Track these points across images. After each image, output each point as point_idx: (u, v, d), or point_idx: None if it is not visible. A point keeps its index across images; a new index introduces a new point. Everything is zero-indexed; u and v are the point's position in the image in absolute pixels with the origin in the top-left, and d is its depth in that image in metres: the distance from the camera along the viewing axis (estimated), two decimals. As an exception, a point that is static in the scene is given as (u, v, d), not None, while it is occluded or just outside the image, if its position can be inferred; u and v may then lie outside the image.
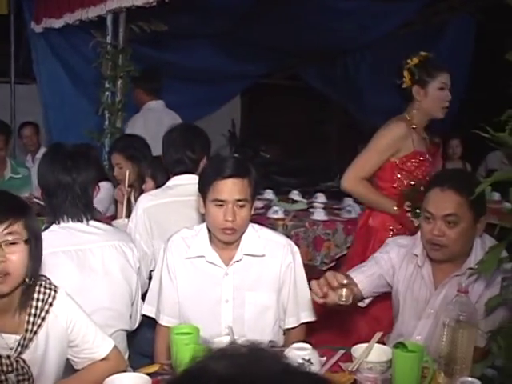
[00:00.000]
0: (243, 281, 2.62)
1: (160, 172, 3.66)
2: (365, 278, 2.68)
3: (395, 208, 3.40)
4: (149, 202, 3.37)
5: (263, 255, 2.63)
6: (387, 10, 6.38)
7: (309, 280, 4.32)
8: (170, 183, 3.42)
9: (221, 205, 2.51)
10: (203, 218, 2.70)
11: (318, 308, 2.66)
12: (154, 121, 5.22)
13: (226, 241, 2.58)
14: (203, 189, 2.57)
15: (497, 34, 2.60)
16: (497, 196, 5.18)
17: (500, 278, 2.25)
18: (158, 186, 3.58)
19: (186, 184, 3.31)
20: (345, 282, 2.35)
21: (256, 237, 2.65)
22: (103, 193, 4.13)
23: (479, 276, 2.41)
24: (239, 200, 2.52)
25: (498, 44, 2.61)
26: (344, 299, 2.34)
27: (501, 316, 2.28)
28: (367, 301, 2.77)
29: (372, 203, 3.51)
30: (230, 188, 2.50)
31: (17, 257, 1.99)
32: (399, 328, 2.68)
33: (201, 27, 6.11)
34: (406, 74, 3.40)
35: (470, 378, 2.05)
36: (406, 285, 2.65)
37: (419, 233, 2.63)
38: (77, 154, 2.72)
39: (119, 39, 5.13)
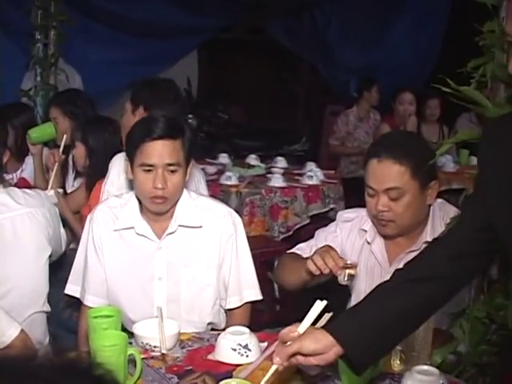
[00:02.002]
0: (178, 256, 2.41)
1: (93, 135, 3.30)
2: None
3: None
4: None
5: (200, 226, 2.41)
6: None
7: (265, 253, 3.95)
8: None
9: (149, 170, 2.29)
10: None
11: None
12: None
13: (156, 211, 2.37)
14: (130, 152, 2.35)
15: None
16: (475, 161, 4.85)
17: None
18: (90, 151, 3.25)
19: None
20: (348, 262, 2.22)
21: (193, 206, 2.42)
22: (31, 163, 3.79)
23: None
24: (170, 164, 2.29)
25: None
26: (347, 279, 2.22)
27: (465, 297, 2.14)
28: None
29: None
30: (159, 151, 2.28)
31: None
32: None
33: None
34: None
35: (426, 366, 1.86)
36: (356, 260, 2.43)
37: None
38: None
39: (51, -18, 4.69)
